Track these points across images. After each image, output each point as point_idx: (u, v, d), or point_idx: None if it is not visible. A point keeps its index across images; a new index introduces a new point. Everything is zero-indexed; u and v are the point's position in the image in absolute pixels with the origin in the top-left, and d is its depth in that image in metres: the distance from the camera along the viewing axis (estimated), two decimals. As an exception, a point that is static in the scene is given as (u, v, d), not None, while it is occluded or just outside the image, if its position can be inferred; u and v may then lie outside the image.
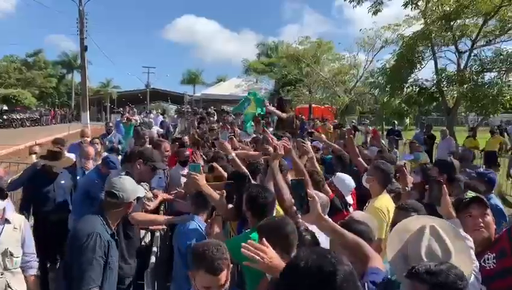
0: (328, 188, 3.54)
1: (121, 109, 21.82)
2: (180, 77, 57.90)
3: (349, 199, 3.69)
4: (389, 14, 14.16)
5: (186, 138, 7.01)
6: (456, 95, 11.79)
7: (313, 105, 23.65)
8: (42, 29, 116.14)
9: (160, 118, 19.06)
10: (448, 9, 11.38)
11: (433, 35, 11.47)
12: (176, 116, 22.15)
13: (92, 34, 19.73)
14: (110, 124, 10.16)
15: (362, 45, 20.48)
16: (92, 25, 17.97)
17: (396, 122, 13.87)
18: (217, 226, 2.84)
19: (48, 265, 4.72)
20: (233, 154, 4.20)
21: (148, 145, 5.92)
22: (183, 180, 5.54)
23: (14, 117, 32.50)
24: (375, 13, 13.61)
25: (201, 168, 3.29)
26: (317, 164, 3.87)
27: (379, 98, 15.63)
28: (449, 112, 12.66)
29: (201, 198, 3.15)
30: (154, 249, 3.65)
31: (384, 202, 3.29)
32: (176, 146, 6.43)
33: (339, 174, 3.90)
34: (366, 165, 4.24)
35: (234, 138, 5.22)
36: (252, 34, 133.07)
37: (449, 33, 11.82)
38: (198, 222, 3.14)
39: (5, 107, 34.91)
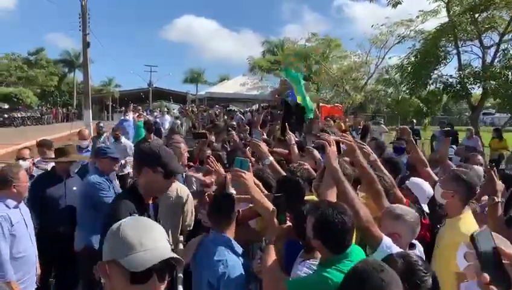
0: (400, 193, 2.94)
1: (123, 108, 21.16)
2: (181, 76, 57.48)
3: (425, 207, 3.07)
4: (395, 9, 13.31)
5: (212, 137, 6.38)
6: (481, 92, 11.16)
7: (320, 104, 23.00)
8: (43, 28, 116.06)
9: (167, 116, 18.11)
10: (475, 0, 10.71)
11: (458, 28, 10.81)
12: (179, 115, 21.44)
13: (94, 32, 19.10)
14: (101, 124, 9.20)
15: (374, 42, 19.80)
16: (94, 23, 17.22)
17: (414, 121, 13.22)
18: (272, 261, 2.10)
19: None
20: (271, 158, 3.57)
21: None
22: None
23: (15, 116, 31.95)
24: (394, 6, 12.99)
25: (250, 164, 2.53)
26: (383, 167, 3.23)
27: (394, 96, 14.97)
28: (473, 110, 12.00)
29: (226, 203, 2.46)
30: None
31: (471, 225, 2.53)
32: (202, 143, 5.68)
33: (413, 178, 3.33)
34: (435, 177, 3.58)
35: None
36: (251, 33, 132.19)
37: (473, 27, 11.17)
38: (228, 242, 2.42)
39: (6, 106, 34.36)
